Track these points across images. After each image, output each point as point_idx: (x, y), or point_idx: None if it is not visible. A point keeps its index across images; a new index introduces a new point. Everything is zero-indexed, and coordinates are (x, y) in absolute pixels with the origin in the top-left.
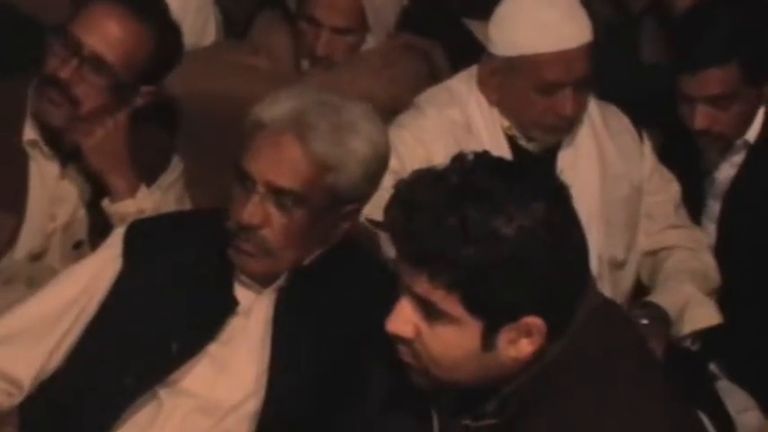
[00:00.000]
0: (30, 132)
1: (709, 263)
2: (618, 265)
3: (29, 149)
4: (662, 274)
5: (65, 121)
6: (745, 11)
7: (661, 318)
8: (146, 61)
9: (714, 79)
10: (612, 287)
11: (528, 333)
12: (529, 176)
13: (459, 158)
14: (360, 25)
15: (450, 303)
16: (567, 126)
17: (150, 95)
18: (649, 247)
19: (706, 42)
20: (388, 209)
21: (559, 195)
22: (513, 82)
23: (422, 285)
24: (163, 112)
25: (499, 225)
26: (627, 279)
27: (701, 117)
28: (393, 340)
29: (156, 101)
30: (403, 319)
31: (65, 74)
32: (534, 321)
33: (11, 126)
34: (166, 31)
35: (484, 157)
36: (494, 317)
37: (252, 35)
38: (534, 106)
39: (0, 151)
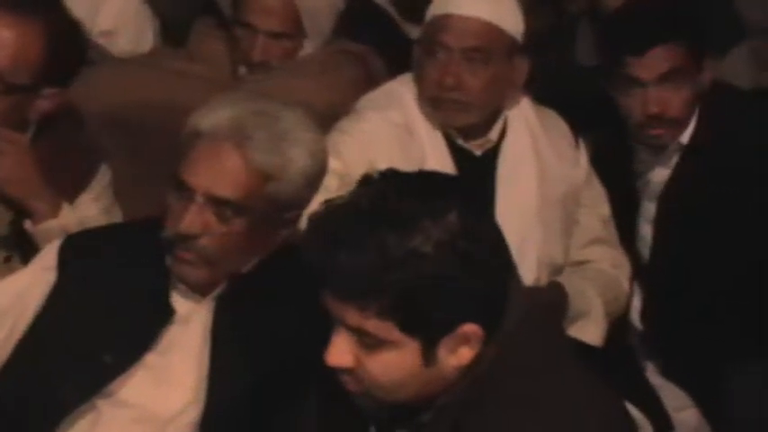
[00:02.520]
0: None
1: (623, 288)
2: (557, 270)
3: None
4: (582, 272)
5: None
6: None
7: (561, 305)
8: (38, 61)
9: (662, 57)
10: None
11: (466, 340)
12: (439, 189)
13: (365, 181)
14: (295, 30)
15: (384, 329)
16: (450, 102)
17: (57, 97)
18: (573, 259)
19: (648, 23)
20: (307, 247)
21: (471, 202)
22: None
23: (353, 317)
24: (77, 122)
25: (417, 244)
26: None
27: (655, 100)
28: (334, 371)
29: (66, 106)
30: (341, 351)
31: None
32: (471, 328)
33: None
34: (59, 28)
35: (391, 177)
36: (430, 333)
37: (189, 42)
38: (423, 76)
39: None
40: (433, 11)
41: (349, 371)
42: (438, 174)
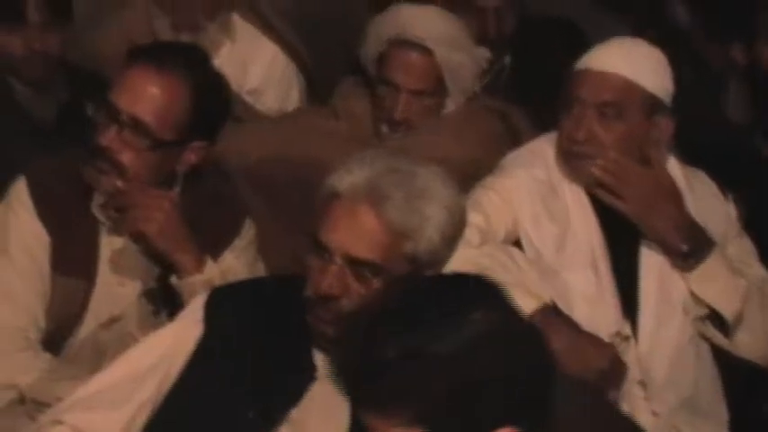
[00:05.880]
0: (99, 197)
1: None
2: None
3: (98, 215)
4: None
5: (113, 188)
6: None
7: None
8: (185, 116)
9: None
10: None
11: None
12: (459, 288)
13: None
14: (437, 88)
15: None
16: (581, 155)
17: (203, 151)
18: None
19: None
20: (338, 360)
21: (496, 297)
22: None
23: (379, 426)
24: (223, 177)
25: (443, 350)
26: None
27: None
28: None
29: (212, 161)
30: None
31: (105, 141)
32: None
33: (82, 191)
34: (205, 82)
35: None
36: None
37: (333, 100)
38: (560, 130)
39: (72, 216)
40: (575, 67)
41: None
42: (470, 275)
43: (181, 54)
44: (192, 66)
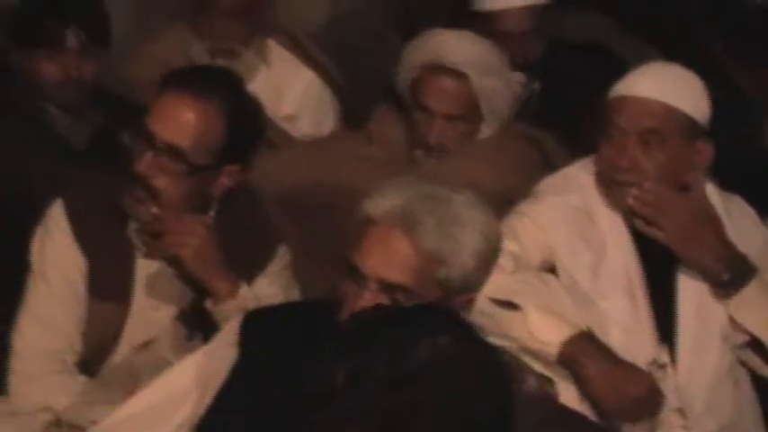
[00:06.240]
0: (135, 222)
1: None
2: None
3: (134, 239)
4: None
5: (149, 215)
6: None
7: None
8: (220, 140)
9: None
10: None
11: None
12: (423, 315)
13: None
14: (472, 113)
15: None
16: (624, 183)
17: (238, 175)
18: None
19: None
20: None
21: (460, 326)
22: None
23: None
24: (256, 204)
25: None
26: None
27: None
28: None
29: (245, 187)
30: None
31: (142, 167)
32: None
33: (118, 215)
34: (239, 106)
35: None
36: None
37: (368, 125)
38: (599, 158)
39: (108, 240)
40: (611, 93)
41: None
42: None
43: (215, 78)
44: (227, 90)
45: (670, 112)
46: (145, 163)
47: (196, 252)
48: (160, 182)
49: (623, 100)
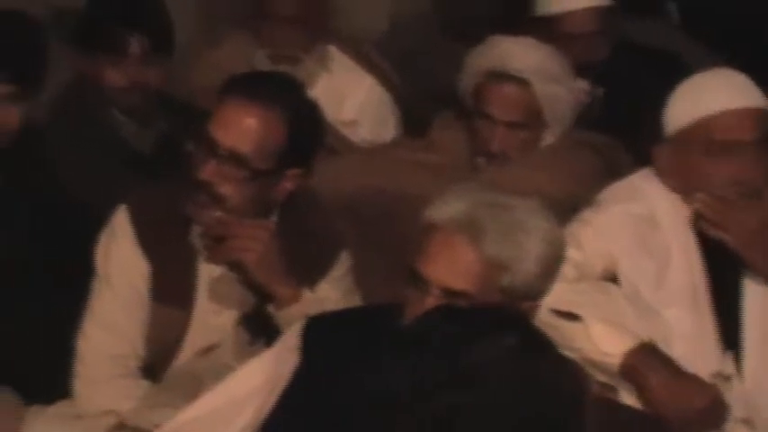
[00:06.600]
0: (198, 227)
1: None
2: None
3: (197, 244)
4: None
5: (213, 220)
6: None
7: None
8: (281, 145)
9: None
10: None
11: None
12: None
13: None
14: (534, 121)
15: None
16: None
17: (299, 179)
18: None
19: None
20: None
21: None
22: (689, 160)
23: None
24: (318, 210)
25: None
26: None
27: None
28: None
29: (306, 192)
30: None
31: (205, 174)
32: None
33: (181, 220)
34: (299, 110)
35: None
36: None
37: (429, 132)
38: (710, 178)
39: (171, 245)
40: (706, 112)
41: None
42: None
43: (274, 83)
44: (286, 94)
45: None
46: (208, 170)
47: (259, 257)
48: (224, 188)
49: (726, 115)
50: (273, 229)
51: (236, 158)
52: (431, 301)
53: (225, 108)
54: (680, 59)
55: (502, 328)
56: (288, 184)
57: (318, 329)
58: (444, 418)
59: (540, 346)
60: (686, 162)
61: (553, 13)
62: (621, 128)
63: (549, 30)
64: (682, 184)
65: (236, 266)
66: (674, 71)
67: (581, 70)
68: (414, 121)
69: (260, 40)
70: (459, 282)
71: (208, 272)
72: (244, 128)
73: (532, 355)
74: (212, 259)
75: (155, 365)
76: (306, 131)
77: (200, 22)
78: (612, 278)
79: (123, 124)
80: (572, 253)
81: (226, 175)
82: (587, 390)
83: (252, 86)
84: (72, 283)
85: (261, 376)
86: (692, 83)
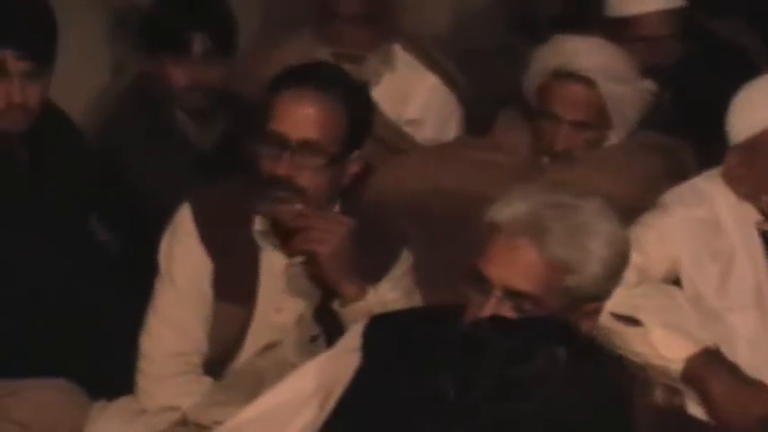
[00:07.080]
0: (259, 223)
1: None
2: None
3: (259, 240)
4: None
5: (294, 213)
6: None
7: None
8: (344, 126)
9: None
10: None
11: None
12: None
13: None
14: (600, 121)
15: None
16: None
17: (361, 159)
18: None
19: None
20: None
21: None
22: (759, 165)
23: None
24: (382, 208)
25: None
26: None
27: None
28: None
29: (370, 190)
30: None
31: (282, 169)
32: None
33: (243, 217)
34: (351, 91)
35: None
36: None
37: (493, 131)
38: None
39: (234, 243)
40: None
41: None
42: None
43: (325, 69)
44: (337, 78)
45: None
46: (284, 164)
47: (334, 251)
48: (302, 179)
49: None
50: (351, 226)
51: (309, 147)
52: (493, 303)
53: (284, 102)
54: (753, 60)
55: (551, 341)
56: (354, 167)
57: (380, 330)
58: (494, 427)
59: (590, 358)
60: (758, 170)
61: (625, 14)
62: (690, 130)
63: (619, 31)
64: (751, 189)
65: (308, 259)
66: (748, 72)
67: (649, 72)
68: (476, 120)
69: (323, 39)
70: (522, 283)
71: (270, 269)
72: (308, 116)
73: (582, 368)
74: (286, 250)
75: (217, 363)
76: (361, 110)
77: (264, 23)
78: (674, 281)
79: (186, 123)
80: (634, 257)
81: (302, 165)
82: (640, 398)
83: (304, 76)
84: (137, 281)
85: (322, 376)
86: (751, 90)
